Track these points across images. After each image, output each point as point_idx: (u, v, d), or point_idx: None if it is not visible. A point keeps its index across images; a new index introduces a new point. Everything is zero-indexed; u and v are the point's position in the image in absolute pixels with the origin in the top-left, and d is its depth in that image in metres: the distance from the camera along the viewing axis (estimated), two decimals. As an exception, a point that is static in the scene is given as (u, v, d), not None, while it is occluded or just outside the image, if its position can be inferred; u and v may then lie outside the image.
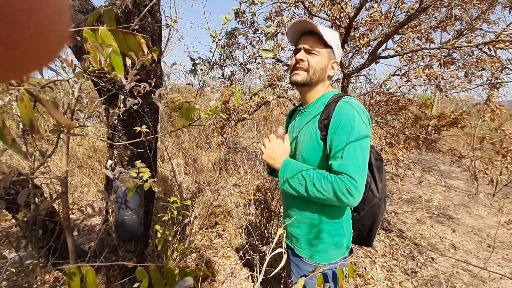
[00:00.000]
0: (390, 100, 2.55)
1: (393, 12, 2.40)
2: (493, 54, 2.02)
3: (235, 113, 3.66)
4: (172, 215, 1.77)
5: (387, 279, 2.01)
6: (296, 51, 0.91)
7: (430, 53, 2.31)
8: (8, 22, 0.11)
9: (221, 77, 3.16)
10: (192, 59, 2.34)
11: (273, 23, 2.68)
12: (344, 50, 2.71)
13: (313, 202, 0.88)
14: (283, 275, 1.66)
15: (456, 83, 2.49)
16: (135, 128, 1.03)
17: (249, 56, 2.93)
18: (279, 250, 0.74)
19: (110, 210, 1.28)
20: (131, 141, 1.01)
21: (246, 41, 3.01)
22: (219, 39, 2.06)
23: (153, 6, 1.15)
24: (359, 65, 2.48)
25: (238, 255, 2.12)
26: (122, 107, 0.92)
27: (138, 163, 0.97)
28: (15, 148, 0.48)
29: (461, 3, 2.10)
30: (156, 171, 1.52)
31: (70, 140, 0.80)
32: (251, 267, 1.99)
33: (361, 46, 2.46)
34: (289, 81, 1.12)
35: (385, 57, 2.44)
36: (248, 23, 2.65)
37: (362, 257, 2.28)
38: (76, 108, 0.79)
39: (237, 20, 2.25)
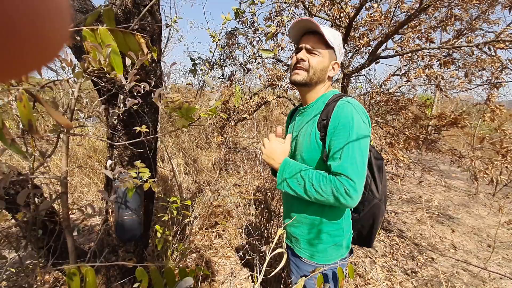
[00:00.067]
0: (390, 100, 2.55)
1: (393, 12, 2.40)
2: (493, 54, 2.02)
3: (235, 113, 3.66)
4: (172, 215, 1.77)
5: (387, 279, 2.01)
6: (298, 50, 0.90)
7: (430, 53, 2.31)
8: (7, 21, 0.11)
9: (221, 77, 3.17)
10: (192, 59, 2.34)
11: (273, 23, 2.68)
12: (344, 50, 2.71)
13: (313, 203, 0.87)
14: (283, 275, 1.66)
15: (456, 83, 2.49)
16: (135, 128, 1.03)
17: (249, 56, 2.93)
18: (279, 250, 0.74)
19: (110, 210, 1.28)
20: (131, 141, 1.01)
21: (246, 41, 3.01)
22: (219, 39, 2.06)
23: (153, 6, 1.15)
24: (359, 65, 2.48)
25: (238, 255, 2.12)
26: (122, 107, 0.92)
27: (138, 163, 0.97)
28: (14, 148, 0.48)
29: (461, 3, 2.10)
30: (156, 171, 1.52)
31: (70, 140, 0.80)
32: (251, 267, 1.99)
33: (361, 46, 2.46)
34: (289, 80, 1.11)
35: (385, 57, 2.44)
36: (248, 23, 2.65)
37: (362, 257, 2.28)
38: (75, 108, 0.79)
39: (237, 20, 2.25)
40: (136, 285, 1.14)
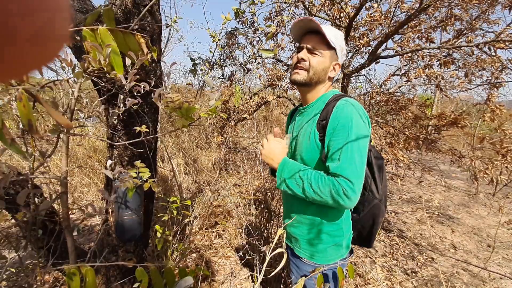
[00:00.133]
0: (390, 100, 2.55)
1: (393, 12, 2.40)
2: (493, 53, 2.02)
3: (235, 113, 3.66)
4: (172, 215, 1.77)
5: (387, 279, 2.01)
6: (299, 49, 0.90)
7: (430, 53, 2.31)
8: (8, 21, 0.11)
9: (221, 77, 3.17)
10: (192, 59, 2.34)
11: (273, 23, 2.68)
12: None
13: (312, 203, 0.87)
14: (283, 275, 1.66)
15: (456, 83, 2.49)
16: (135, 128, 1.03)
17: (249, 56, 2.93)
18: (279, 250, 0.74)
19: (110, 210, 1.28)
20: (131, 141, 1.01)
21: (246, 41, 3.01)
22: (219, 39, 2.06)
23: (152, 6, 1.15)
24: (359, 65, 2.48)
25: (238, 255, 2.12)
26: (122, 107, 0.92)
27: (138, 163, 0.97)
28: (14, 148, 0.48)
29: (461, 3, 2.10)
30: (156, 171, 1.52)
31: (69, 140, 0.80)
32: (251, 267, 1.99)
33: (361, 46, 2.46)
34: (289, 79, 1.11)
35: (385, 57, 2.44)
36: (248, 23, 2.65)
37: (362, 257, 2.28)
38: (75, 108, 0.79)
39: (237, 20, 2.25)
40: (136, 285, 1.14)
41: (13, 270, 1.18)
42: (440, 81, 2.39)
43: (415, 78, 2.57)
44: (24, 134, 0.85)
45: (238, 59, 3.18)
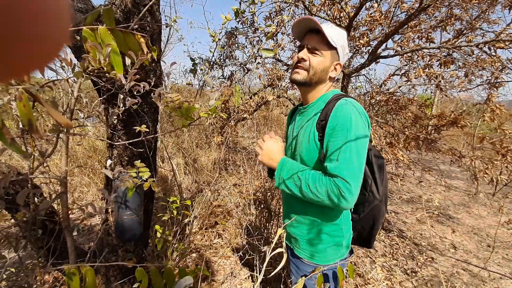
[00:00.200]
0: (390, 100, 2.55)
1: (393, 12, 2.40)
2: (493, 53, 2.02)
3: (235, 113, 3.66)
4: (172, 215, 1.77)
5: (387, 279, 2.01)
6: (300, 48, 0.89)
7: (430, 52, 2.31)
8: (8, 22, 0.11)
9: (221, 76, 3.17)
10: (192, 59, 2.33)
11: (273, 22, 2.68)
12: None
13: (312, 203, 0.87)
14: (283, 275, 1.66)
15: (456, 82, 2.49)
16: (134, 127, 1.03)
17: (249, 56, 2.93)
18: (279, 250, 0.74)
19: (109, 210, 1.28)
20: (131, 141, 1.01)
21: (246, 40, 3.01)
22: (219, 39, 2.06)
23: (152, 6, 1.15)
24: (359, 65, 2.48)
25: (238, 255, 2.12)
26: (122, 107, 0.92)
27: (137, 163, 0.97)
28: (14, 148, 0.48)
29: (461, 3, 2.10)
30: (156, 171, 1.52)
31: (69, 139, 0.80)
32: (251, 267, 1.99)
33: (361, 46, 2.46)
34: (289, 78, 1.11)
35: (385, 57, 2.44)
36: (248, 22, 2.65)
37: (362, 257, 2.28)
38: (75, 108, 0.79)
39: (237, 19, 2.25)
40: (136, 285, 1.14)
41: (13, 270, 1.18)
42: (440, 81, 2.39)
43: (415, 78, 2.57)
44: (24, 133, 0.85)
45: (238, 59, 3.18)
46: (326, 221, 0.89)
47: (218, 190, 3.27)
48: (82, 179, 3.10)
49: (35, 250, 1.09)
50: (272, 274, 0.80)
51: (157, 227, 1.60)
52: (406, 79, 2.73)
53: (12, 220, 1.23)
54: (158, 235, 1.58)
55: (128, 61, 0.73)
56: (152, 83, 0.96)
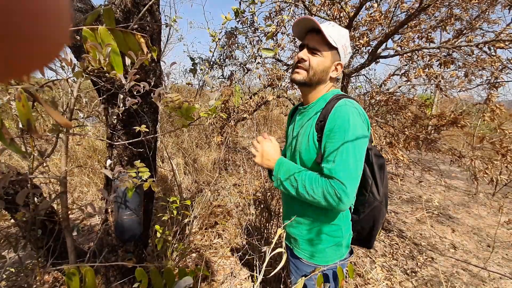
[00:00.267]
0: (390, 100, 2.55)
1: (393, 12, 2.40)
2: (493, 53, 2.02)
3: (235, 113, 3.66)
4: (172, 215, 1.77)
5: (387, 279, 2.01)
6: (301, 47, 0.89)
7: (430, 52, 2.31)
8: (8, 22, 0.11)
9: (221, 76, 3.16)
10: (191, 59, 2.33)
11: (273, 22, 2.68)
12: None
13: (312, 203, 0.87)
14: (283, 275, 1.66)
15: (456, 82, 2.49)
16: (134, 127, 1.03)
17: (249, 56, 2.93)
18: (278, 250, 0.74)
19: (109, 210, 1.28)
20: (131, 141, 1.01)
21: (246, 40, 3.01)
22: (219, 39, 2.06)
23: (152, 6, 1.15)
24: (359, 64, 2.48)
25: (237, 255, 2.12)
26: (122, 107, 0.92)
27: (137, 163, 0.96)
28: (13, 148, 0.48)
29: (461, 3, 2.10)
30: (156, 171, 1.52)
31: (69, 139, 0.80)
32: (251, 267, 1.99)
33: (361, 46, 2.46)
34: (289, 78, 1.11)
35: (385, 57, 2.44)
36: (248, 22, 2.65)
37: (362, 257, 2.28)
38: (75, 108, 0.79)
39: (237, 19, 2.24)
40: (135, 285, 1.14)
41: (12, 270, 1.18)
42: (440, 81, 2.39)
43: (415, 78, 2.57)
44: (23, 133, 0.85)
45: (238, 58, 3.18)
46: (326, 221, 0.89)
47: (218, 190, 3.27)
48: (82, 179, 3.09)
49: (35, 250, 1.09)
50: (272, 274, 0.80)
51: (157, 227, 1.59)
52: (406, 79, 2.73)
53: (12, 220, 1.23)
54: (158, 235, 1.58)
55: (128, 61, 0.73)
56: (152, 83, 0.96)
